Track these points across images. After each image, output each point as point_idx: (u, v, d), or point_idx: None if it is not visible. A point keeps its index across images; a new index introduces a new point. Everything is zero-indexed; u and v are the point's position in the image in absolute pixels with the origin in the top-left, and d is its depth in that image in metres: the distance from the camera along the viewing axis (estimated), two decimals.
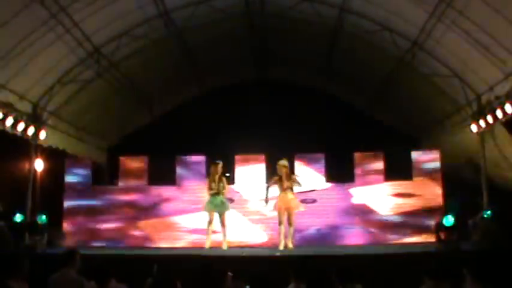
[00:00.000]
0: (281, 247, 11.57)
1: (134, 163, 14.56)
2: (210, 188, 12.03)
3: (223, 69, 16.79)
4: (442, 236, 12.22)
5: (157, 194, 14.49)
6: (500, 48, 11.45)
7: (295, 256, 10.55)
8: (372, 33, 13.57)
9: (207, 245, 11.86)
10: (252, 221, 14.22)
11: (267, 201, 11.87)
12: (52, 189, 14.61)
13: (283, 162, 11.92)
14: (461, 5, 11.26)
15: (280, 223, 11.73)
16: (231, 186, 13.58)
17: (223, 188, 12.08)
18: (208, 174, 12.42)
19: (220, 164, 12.20)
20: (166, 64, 15.99)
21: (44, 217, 12.74)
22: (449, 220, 11.91)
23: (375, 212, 14.12)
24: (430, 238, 13.12)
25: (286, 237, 11.67)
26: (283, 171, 11.79)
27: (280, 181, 11.79)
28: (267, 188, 11.99)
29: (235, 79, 17.38)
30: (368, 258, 10.14)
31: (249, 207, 14.33)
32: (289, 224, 11.73)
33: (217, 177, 12.05)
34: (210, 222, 11.97)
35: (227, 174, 12.90)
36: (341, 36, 14.70)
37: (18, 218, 12.50)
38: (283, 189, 11.75)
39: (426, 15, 12.26)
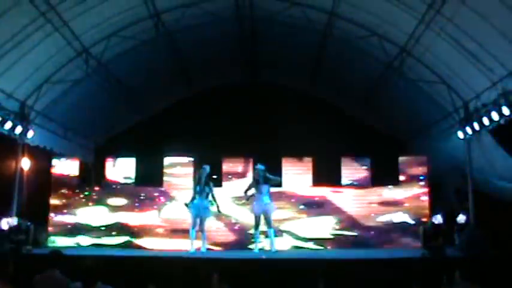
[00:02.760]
0: (256, 250, 11.95)
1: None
2: (195, 192, 12.12)
3: (213, 71, 16.75)
4: (428, 241, 12.36)
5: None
6: (488, 56, 11.52)
7: (281, 259, 10.63)
8: (360, 38, 13.59)
9: (191, 248, 12.01)
10: None
11: (247, 198, 12.32)
12: (38, 189, 14.48)
13: (260, 166, 12.21)
14: (450, 13, 11.29)
15: (256, 227, 12.03)
16: (218, 188, 13.59)
17: (210, 192, 12.18)
18: (194, 178, 12.50)
19: (207, 168, 12.30)
20: (155, 65, 15.91)
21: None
22: (438, 219, 12.12)
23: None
24: (416, 243, 13.26)
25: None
26: (260, 175, 12.09)
27: (257, 185, 12.01)
28: (245, 192, 12.31)
29: (224, 81, 17.34)
30: (354, 262, 10.21)
31: None
32: (268, 226, 11.98)
33: (203, 181, 12.09)
34: (193, 225, 12.08)
35: (214, 176, 12.88)
36: (330, 41, 14.72)
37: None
38: (259, 193, 12.02)
39: (415, 21, 12.30)
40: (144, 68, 15.59)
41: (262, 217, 12.04)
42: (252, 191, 12.27)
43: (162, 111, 17.55)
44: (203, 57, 15.80)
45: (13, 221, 12.45)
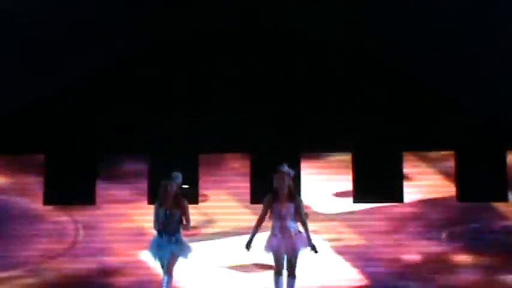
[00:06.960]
0: None
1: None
2: (158, 219, 8.09)
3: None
4: None
5: None
6: None
7: None
8: None
9: None
10: None
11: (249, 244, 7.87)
12: None
13: (288, 169, 7.91)
14: None
15: (277, 271, 7.89)
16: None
17: (183, 216, 7.97)
18: (157, 196, 8.21)
19: (179, 177, 8.02)
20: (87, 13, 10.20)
21: None
22: None
23: None
24: None
25: None
26: (284, 184, 7.69)
27: (277, 201, 7.78)
28: (256, 226, 7.79)
29: (204, 26, 11.52)
30: None
31: None
32: (290, 273, 7.91)
33: (170, 200, 7.97)
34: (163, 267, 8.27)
35: (185, 186, 8.25)
36: None
37: None
38: (281, 217, 7.75)
39: None
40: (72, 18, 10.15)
41: (285, 257, 7.88)
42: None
43: (95, 81, 11.64)
44: None
45: None
